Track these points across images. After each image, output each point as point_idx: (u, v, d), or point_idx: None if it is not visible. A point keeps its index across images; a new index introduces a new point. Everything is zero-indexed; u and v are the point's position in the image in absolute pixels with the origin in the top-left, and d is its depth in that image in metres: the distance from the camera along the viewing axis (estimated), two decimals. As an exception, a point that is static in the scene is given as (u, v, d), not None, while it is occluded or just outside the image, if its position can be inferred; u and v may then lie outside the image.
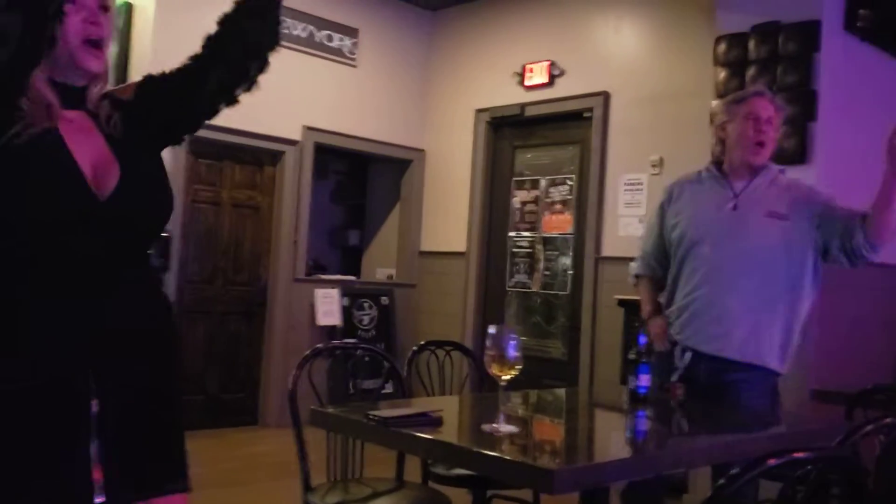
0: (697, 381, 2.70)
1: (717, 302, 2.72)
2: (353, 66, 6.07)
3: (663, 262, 2.94)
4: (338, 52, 5.98)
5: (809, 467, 1.32)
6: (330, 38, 5.92)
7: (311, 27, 5.80)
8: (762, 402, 2.74)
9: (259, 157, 5.76)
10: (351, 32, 6.04)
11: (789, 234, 2.73)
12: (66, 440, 1.43)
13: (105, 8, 1.53)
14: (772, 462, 1.26)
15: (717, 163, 2.92)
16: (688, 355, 2.76)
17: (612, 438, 2.38)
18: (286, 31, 5.63)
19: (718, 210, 2.78)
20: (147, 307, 1.60)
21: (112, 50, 5.37)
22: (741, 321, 2.69)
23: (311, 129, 5.83)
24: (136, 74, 5.13)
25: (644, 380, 2.49)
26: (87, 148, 1.52)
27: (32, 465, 1.40)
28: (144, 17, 5.19)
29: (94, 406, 1.45)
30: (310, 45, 5.80)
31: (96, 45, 1.51)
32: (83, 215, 1.46)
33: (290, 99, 5.71)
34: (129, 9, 5.26)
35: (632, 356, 2.54)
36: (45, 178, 1.45)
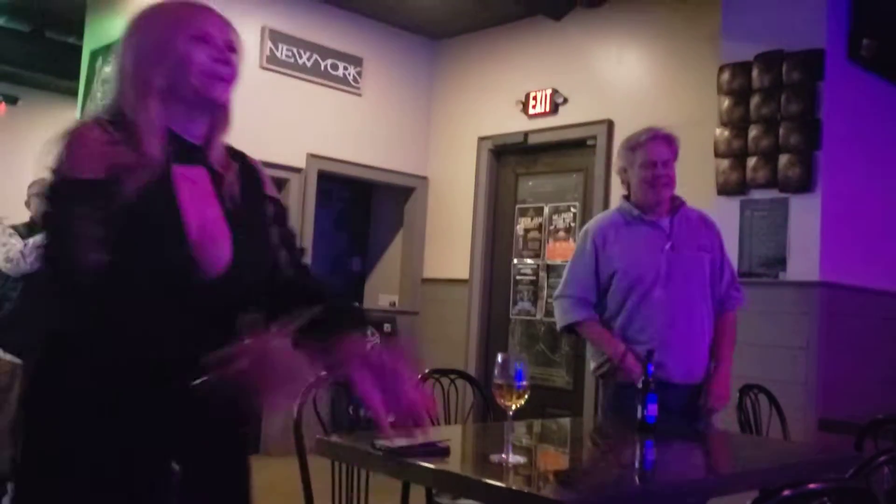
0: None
1: (680, 338, 2.87)
2: (358, 95, 6.10)
3: (598, 306, 2.98)
4: (342, 80, 6.01)
5: (825, 499, 1.30)
6: (335, 67, 5.96)
7: (316, 56, 5.83)
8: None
9: (263, 184, 5.76)
10: (355, 61, 6.08)
11: (712, 263, 3.01)
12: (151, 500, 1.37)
13: (232, 49, 1.47)
14: (787, 493, 1.24)
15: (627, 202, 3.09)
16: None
17: (621, 469, 2.35)
18: (290, 61, 5.67)
19: (659, 252, 2.91)
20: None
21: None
22: (702, 347, 2.96)
23: (314, 156, 5.84)
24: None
25: (652, 409, 2.47)
26: (200, 213, 1.40)
27: None
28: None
29: (176, 467, 1.39)
30: (315, 73, 5.84)
31: (222, 79, 1.45)
32: (184, 291, 1.36)
33: (295, 126, 5.73)
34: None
35: (639, 385, 2.52)
36: (153, 244, 1.34)
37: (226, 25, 1.49)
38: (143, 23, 1.46)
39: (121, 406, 1.33)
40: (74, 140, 1.36)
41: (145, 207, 1.33)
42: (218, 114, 1.49)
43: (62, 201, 1.33)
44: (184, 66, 1.41)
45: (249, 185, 1.52)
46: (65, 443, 1.34)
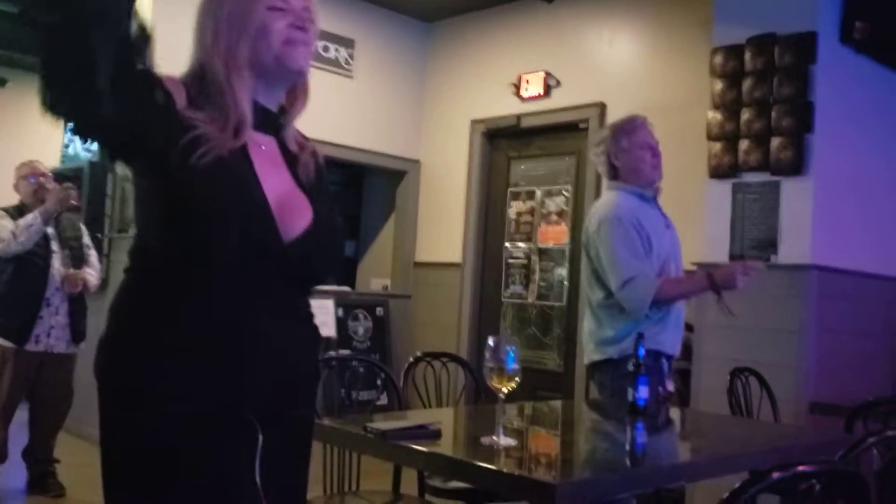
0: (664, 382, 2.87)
1: (676, 313, 3.00)
2: (350, 77, 6.07)
3: None
4: (334, 62, 5.98)
5: (814, 481, 1.30)
6: (326, 49, 5.92)
7: (307, 37, 5.79)
8: None
9: (254, 167, 5.74)
10: (347, 43, 6.05)
11: None
12: (241, 470, 1.35)
13: (309, 16, 1.47)
14: (777, 475, 1.25)
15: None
16: (664, 361, 2.92)
17: (613, 451, 2.37)
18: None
19: (666, 229, 3.06)
20: (305, 345, 1.51)
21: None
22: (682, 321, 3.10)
23: (305, 139, 5.80)
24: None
25: (643, 391, 2.48)
26: (275, 180, 1.42)
27: (209, 492, 1.32)
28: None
29: (261, 439, 1.36)
30: (306, 55, 5.79)
31: (300, 45, 1.45)
32: (264, 255, 1.36)
33: (286, 109, 5.69)
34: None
35: (630, 368, 2.53)
36: (231, 208, 1.34)
37: None
38: None
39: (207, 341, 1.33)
40: (164, 75, 1.36)
41: (226, 171, 1.34)
42: (297, 86, 1.51)
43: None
44: (264, 35, 1.41)
45: (317, 166, 1.56)
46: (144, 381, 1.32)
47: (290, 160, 1.49)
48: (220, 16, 1.42)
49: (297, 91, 1.52)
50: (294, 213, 1.40)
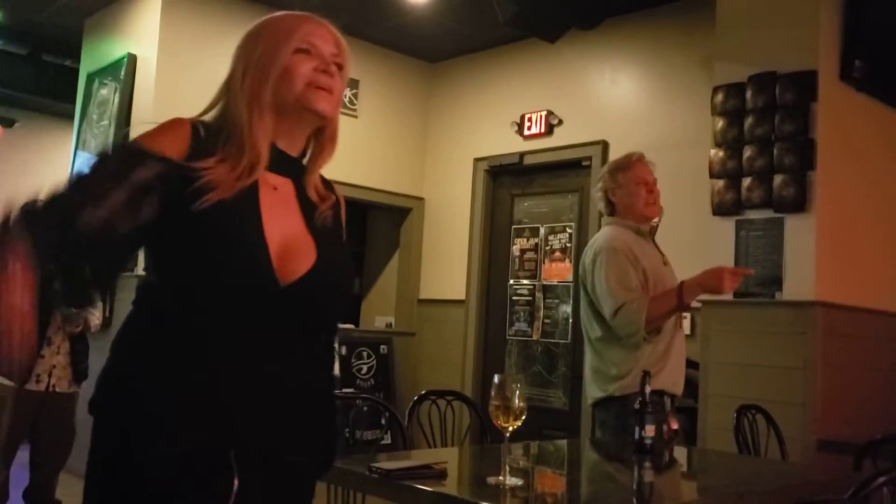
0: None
1: (680, 348, 3.03)
2: (354, 116, 6.13)
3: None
4: (338, 102, 6.03)
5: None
6: (330, 89, 5.98)
7: (311, 78, 5.86)
8: None
9: (259, 205, 5.77)
10: (351, 83, 6.11)
11: None
12: None
13: (339, 65, 1.47)
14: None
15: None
16: (667, 399, 2.90)
17: (619, 491, 2.34)
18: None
19: (662, 265, 3.07)
20: (308, 389, 1.43)
21: (115, 100, 5.43)
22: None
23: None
24: (137, 123, 5.17)
25: (649, 430, 2.46)
26: (283, 222, 1.40)
27: None
28: (147, 66, 5.25)
29: (236, 483, 1.33)
30: (310, 95, 5.86)
31: (324, 89, 1.43)
32: (261, 297, 1.34)
33: (291, 148, 5.74)
34: (131, 60, 5.33)
35: (636, 406, 2.52)
36: (225, 250, 1.33)
37: (332, 39, 1.49)
38: (253, 37, 1.47)
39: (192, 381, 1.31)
40: (164, 124, 1.38)
41: (226, 214, 1.33)
42: (324, 133, 1.50)
43: (107, 155, 1.36)
44: (287, 77, 1.41)
45: (336, 217, 1.54)
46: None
47: (306, 204, 1.47)
48: (250, 59, 1.44)
49: (323, 139, 1.51)
50: (297, 256, 1.38)
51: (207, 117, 1.45)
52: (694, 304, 3.59)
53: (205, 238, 1.32)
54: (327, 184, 1.57)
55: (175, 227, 1.32)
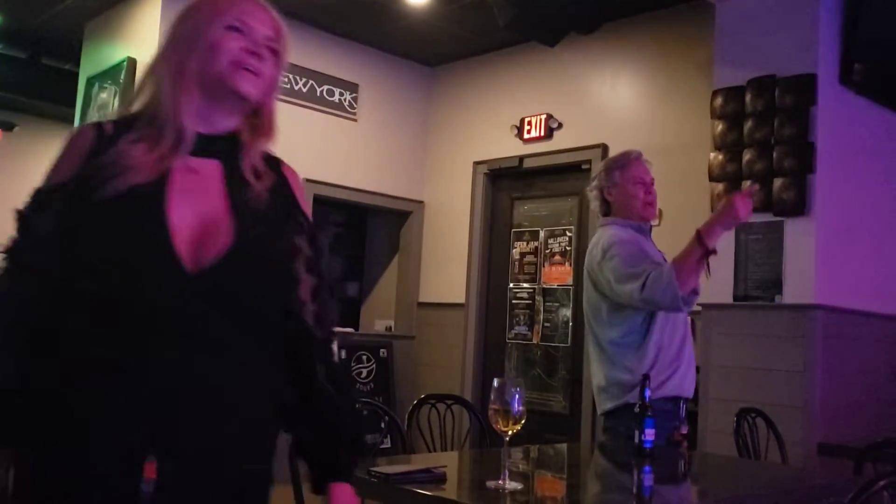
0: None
1: (689, 351, 2.93)
2: (354, 120, 6.13)
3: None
4: (338, 106, 6.04)
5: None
6: (331, 93, 5.99)
7: (312, 82, 5.87)
8: None
9: (259, 209, 5.77)
10: (351, 87, 6.12)
11: None
12: None
13: (274, 51, 1.42)
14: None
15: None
16: (682, 404, 2.82)
17: (619, 495, 2.34)
18: (287, 86, 5.70)
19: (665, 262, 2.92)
20: (232, 388, 1.31)
21: (115, 103, 5.43)
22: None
23: (310, 181, 5.85)
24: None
25: (649, 433, 2.46)
26: (200, 206, 1.32)
27: None
28: (147, 71, 5.25)
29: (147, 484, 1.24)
30: (311, 99, 5.87)
31: (249, 71, 1.37)
32: (166, 288, 1.26)
33: (291, 152, 5.70)
34: (131, 63, 5.33)
35: (636, 409, 2.51)
36: (120, 240, 1.26)
37: (271, 22, 1.43)
38: (186, 10, 1.43)
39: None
40: (62, 147, 1.36)
41: (126, 202, 1.27)
42: (257, 116, 1.43)
43: (25, 208, 1.33)
44: (213, 52, 1.36)
45: (280, 194, 1.44)
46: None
47: (235, 185, 1.37)
48: (179, 31, 1.40)
49: (258, 123, 1.44)
50: (213, 239, 1.29)
51: (137, 104, 1.40)
52: (696, 308, 3.59)
53: (104, 230, 1.27)
54: (273, 162, 1.47)
55: (77, 224, 1.28)
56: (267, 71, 1.40)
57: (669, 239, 3.21)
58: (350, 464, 1.47)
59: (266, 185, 1.40)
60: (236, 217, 1.33)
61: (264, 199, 1.38)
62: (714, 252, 2.68)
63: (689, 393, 2.92)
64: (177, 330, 1.26)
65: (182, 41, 1.39)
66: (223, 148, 1.39)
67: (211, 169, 1.37)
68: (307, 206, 1.51)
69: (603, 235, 2.93)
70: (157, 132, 1.33)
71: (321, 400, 1.44)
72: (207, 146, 1.37)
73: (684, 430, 2.70)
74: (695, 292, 2.72)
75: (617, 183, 2.97)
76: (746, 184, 2.97)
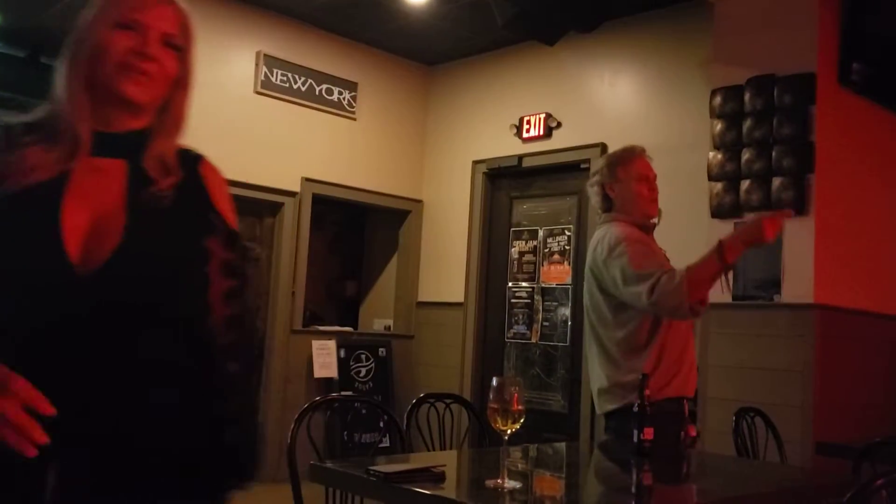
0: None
1: (692, 350, 2.89)
2: (353, 119, 6.13)
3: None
4: (337, 105, 6.04)
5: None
6: (329, 92, 5.99)
7: (310, 80, 5.86)
8: None
9: (259, 208, 5.77)
10: (350, 86, 6.11)
11: None
12: None
13: (169, 43, 1.35)
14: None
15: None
16: (686, 404, 2.79)
17: (618, 494, 2.34)
18: (286, 85, 5.69)
19: (668, 262, 2.86)
20: (128, 394, 1.27)
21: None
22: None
23: (309, 180, 5.85)
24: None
25: (648, 432, 2.45)
26: (96, 206, 1.29)
27: None
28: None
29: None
30: (310, 98, 5.86)
31: (135, 73, 1.32)
32: (58, 292, 1.23)
33: (290, 151, 5.75)
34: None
35: (635, 409, 2.51)
36: (15, 241, 1.24)
37: (171, 15, 1.37)
38: (86, 7, 1.39)
39: None
40: None
41: (20, 204, 1.25)
42: (164, 112, 1.38)
43: None
44: (100, 53, 1.32)
45: (189, 194, 1.37)
46: None
47: (137, 184, 1.33)
48: (77, 28, 1.36)
49: (165, 118, 1.39)
50: (106, 239, 1.26)
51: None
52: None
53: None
54: (189, 159, 1.42)
55: None
56: (163, 69, 1.35)
57: (668, 238, 3.20)
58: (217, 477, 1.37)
59: (172, 182, 1.35)
60: (130, 215, 1.29)
61: (167, 197, 1.33)
62: (732, 267, 2.62)
63: (692, 393, 2.89)
64: (65, 330, 1.23)
65: (76, 40, 1.36)
66: (128, 146, 1.35)
67: (115, 168, 1.34)
68: (228, 206, 1.44)
69: (608, 232, 2.82)
70: (54, 134, 1.31)
71: (200, 408, 1.34)
72: (111, 145, 1.34)
73: (692, 433, 2.69)
74: (702, 302, 2.61)
75: (620, 179, 2.89)
76: (788, 211, 2.88)
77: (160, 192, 1.33)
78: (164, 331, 1.31)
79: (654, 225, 2.95)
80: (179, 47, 1.38)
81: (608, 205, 2.94)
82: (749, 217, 2.73)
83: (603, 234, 2.84)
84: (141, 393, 1.28)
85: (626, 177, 2.89)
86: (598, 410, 2.90)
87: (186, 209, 1.36)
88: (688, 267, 2.59)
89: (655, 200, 2.91)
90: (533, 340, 5.71)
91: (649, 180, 2.90)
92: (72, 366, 1.23)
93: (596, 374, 2.87)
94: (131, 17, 1.33)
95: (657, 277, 2.58)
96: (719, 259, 2.55)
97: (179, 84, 1.40)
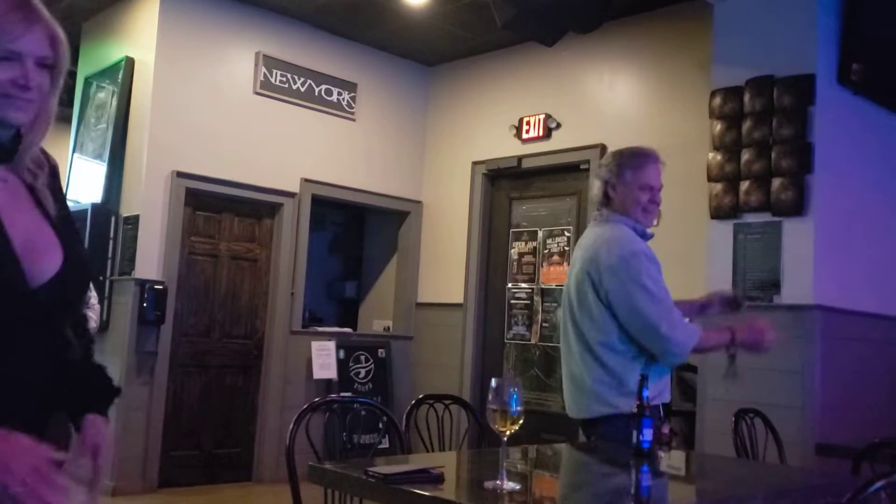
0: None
1: None
2: (352, 120, 6.13)
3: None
4: (336, 105, 6.04)
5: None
6: (329, 93, 5.99)
7: (310, 81, 5.86)
8: None
9: (258, 209, 5.77)
10: (350, 87, 6.11)
11: None
12: None
13: (44, 65, 1.38)
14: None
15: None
16: (660, 407, 2.84)
17: (618, 495, 2.33)
18: (285, 86, 5.69)
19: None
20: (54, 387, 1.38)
21: (113, 103, 5.43)
22: None
23: (308, 181, 5.85)
24: (134, 125, 5.16)
25: (647, 434, 2.45)
26: (24, 219, 1.34)
27: None
28: (144, 70, 5.24)
29: None
30: (309, 99, 5.86)
31: (24, 101, 1.35)
32: (10, 303, 1.28)
33: (289, 151, 5.75)
34: (129, 63, 5.32)
35: (634, 410, 2.50)
36: None
37: (44, 37, 1.39)
38: None
39: None
40: None
41: None
42: (35, 118, 1.40)
43: None
44: None
45: (54, 190, 1.44)
46: None
47: (33, 191, 1.39)
48: None
49: (37, 120, 1.41)
50: (43, 254, 1.33)
51: None
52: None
53: None
54: (44, 153, 1.47)
55: None
56: (41, 90, 1.38)
57: (668, 238, 3.20)
58: (103, 400, 1.51)
59: (41, 183, 1.42)
60: (58, 233, 1.38)
61: (51, 196, 1.42)
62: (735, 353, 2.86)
63: (665, 398, 2.89)
64: (19, 342, 1.30)
65: None
66: (10, 153, 1.38)
67: (11, 178, 1.38)
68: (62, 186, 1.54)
69: (616, 234, 2.75)
70: None
71: (77, 363, 1.49)
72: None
73: (666, 430, 2.71)
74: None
75: (627, 182, 2.81)
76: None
77: (44, 193, 1.40)
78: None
79: (651, 236, 2.88)
80: (53, 66, 1.42)
81: (606, 201, 2.87)
82: (760, 320, 2.92)
83: (610, 235, 2.76)
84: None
85: (631, 181, 2.82)
86: (576, 414, 2.85)
87: (66, 208, 1.46)
88: (705, 330, 2.77)
89: (652, 212, 2.85)
90: (532, 341, 5.71)
91: (652, 191, 2.83)
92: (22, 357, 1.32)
93: (573, 373, 2.84)
94: (9, 48, 1.35)
95: (679, 322, 2.68)
96: (730, 342, 2.81)
97: (52, 92, 1.44)
